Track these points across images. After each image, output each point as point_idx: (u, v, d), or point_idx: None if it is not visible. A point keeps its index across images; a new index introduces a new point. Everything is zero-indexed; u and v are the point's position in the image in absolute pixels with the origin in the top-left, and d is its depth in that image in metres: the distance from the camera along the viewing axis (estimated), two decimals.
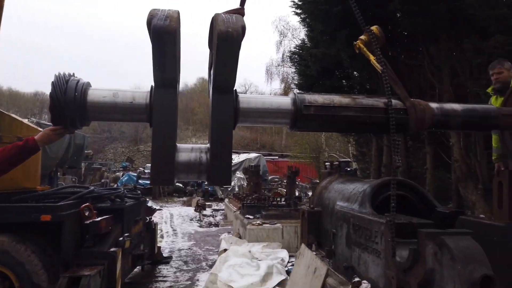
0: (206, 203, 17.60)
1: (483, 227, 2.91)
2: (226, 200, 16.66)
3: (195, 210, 15.40)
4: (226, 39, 1.95)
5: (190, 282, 5.90)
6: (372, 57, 2.64)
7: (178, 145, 2.23)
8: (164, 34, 1.91)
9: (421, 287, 2.26)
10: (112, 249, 3.94)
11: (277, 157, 36.71)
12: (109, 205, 4.62)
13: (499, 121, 2.57)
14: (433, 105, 2.58)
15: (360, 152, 17.10)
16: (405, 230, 2.69)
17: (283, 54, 33.56)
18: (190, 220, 13.42)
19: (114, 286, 3.79)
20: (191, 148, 2.26)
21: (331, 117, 2.47)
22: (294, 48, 18.03)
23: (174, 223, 12.60)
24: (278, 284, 5.24)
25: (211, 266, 6.65)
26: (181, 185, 23.65)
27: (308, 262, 4.32)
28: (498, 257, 2.71)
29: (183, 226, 12.03)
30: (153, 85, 2.20)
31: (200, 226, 12.15)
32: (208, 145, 2.26)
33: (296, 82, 19.02)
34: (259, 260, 6.03)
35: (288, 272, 5.72)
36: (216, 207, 17.61)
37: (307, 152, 27.78)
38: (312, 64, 14.42)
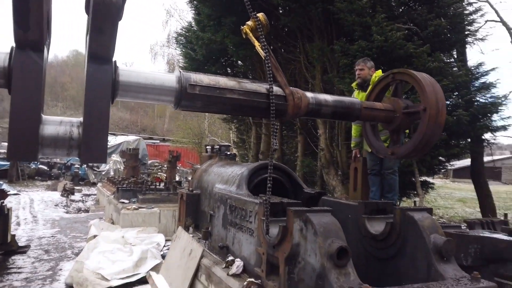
0: (76, 188, 16.11)
1: (340, 206, 3.31)
2: (99, 184, 15.52)
3: (62, 195, 13.98)
4: (103, 3, 1.78)
5: (51, 272, 5.34)
6: (257, 43, 2.72)
7: (44, 116, 1.97)
8: None
9: (288, 261, 2.46)
10: None
11: (158, 141, 35.56)
12: None
13: (361, 113, 2.93)
14: (309, 94, 2.81)
15: (240, 139, 17.71)
16: (277, 209, 2.89)
17: (168, 35, 32.40)
18: (55, 205, 12.13)
19: None
20: (60, 121, 2.02)
21: (216, 98, 2.48)
22: (181, 29, 17.54)
23: (35, 209, 11.23)
24: (152, 269, 5.13)
25: (77, 254, 6.13)
26: (45, 167, 21.16)
27: (184, 244, 4.32)
28: (352, 231, 3.13)
29: (46, 212, 10.80)
30: (14, 45, 1.89)
31: (67, 212, 11.08)
32: (81, 118, 2.05)
33: (182, 65, 18.60)
34: (133, 246, 5.80)
35: (163, 256, 5.64)
36: (87, 192, 16.26)
37: (190, 137, 27.60)
38: (199, 48, 14.28)
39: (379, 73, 4.96)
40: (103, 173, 22.45)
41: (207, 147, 5.63)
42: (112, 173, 21.40)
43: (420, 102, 2.88)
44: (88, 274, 4.51)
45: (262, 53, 2.68)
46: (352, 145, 5.42)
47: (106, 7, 1.82)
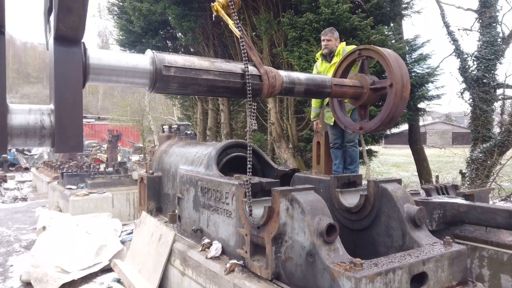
0: (7, 175, 14.82)
1: (313, 181, 3.39)
2: (34, 169, 14.42)
3: None
4: None
5: (1, 269, 4.94)
6: (230, 22, 2.61)
7: (11, 105, 1.76)
8: None
9: (274, 240, 2.49)
10: None
11: (93, 120, 33.66)
12: None
13: (332, 89, 2.97)
14: (283, 73, 2.78)
15: (186, 115, 17.30)
16: (256, 190, 2.89)
17: (99, 4, 30.07)
18: None
19: None
20: (29, 109, 1.82)
21: (191, 80, 2.37)
22: None
23: None
24: (115, 256, 4.94)
25: (27, 248, 5.72)
26: None
27: (151, 229, 4.19)
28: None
29: None
30: None
31: (3, 202, 10.20)
32: (51, 106, 1.86)
33: (117, 38, 17.45)
34: (89, 234, 5.51)
35: (123, 242, 5.45)
36: (21, 179, 15.03)
37: (129, 114, 26.37)
38: (136, 19, 13.47)
39: (343, 45, 5.02)
40: (36, 157, 20.88)
41: (164, 126, 5.42)
42: (46, 157, 19.96)
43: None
44: (48, 269, 4.22)
45: (236, 32, 2.58)
46: (312, 116, 5.47)
47: None
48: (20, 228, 7.13)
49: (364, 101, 3.13)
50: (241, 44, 2.60)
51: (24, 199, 10.86)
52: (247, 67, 2.56)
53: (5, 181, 13.68)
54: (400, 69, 2.97)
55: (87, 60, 1.99)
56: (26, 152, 21.14)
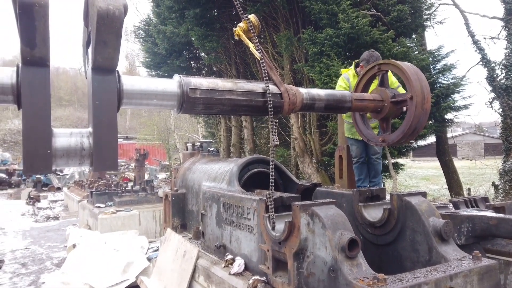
0: (41, 194, 15.39)
1: (335, 195, 3.39)
2: (65, 189, 14.93)
3: (27, 203, 13.31)
4: (107, 17, 1.78)
5: (33, 286, 5.11)
6: (251, 45, 2.71)
7: (55, 129, 1.94)
8: (34, 7, 1.62)
9: (296, 256, 2.50)
10: None
11: (121, 140, 34.62)
12: None
13: (352, 104, 3.00)
14: (303, 90, 2.84)
15: (210, 132, 17.56)
16: (277, 205, 2.91)
17: (126, 28, 31.37)
18: (22, 215, 11.54)
19: None
20: (70, 132, 2.02)
21: (216, 100, 2.47)
22: (139, 23, 17.03)
23: (1, 220, 10.63)
24: (141, 273, 5.04)
25: (58, 265, 5.91)
26: (4, 175, 20.02)
27: (176, 246, 4.27)
28: (348, 219, 3.21)
29: (13, 223, 10.26)
30: (20, 63, 1.86)
31: (36, 221, 10.58)
32: (89, 129, 2.02)
33: (143, 60, 18.09)
34: (117, 251, 5.66)
35: (149, 259, 5.55)
36: (53, 198, 15.57)
37: (155, 133, 27.02)
38: (160, 41, 13.97)
39: None
40: (67, 176, 21.63)
41: (188, 144, 5.55)
42: (77, 176, 20.65)
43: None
44: (77, 286, 4.35)
45: (257, 54, 2.68)
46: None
47: (110, 21, 1.80)
48: (52, 246, 7.38)
49: (385, 114, 3.14)
50: (262, 65, 2.69)
51: (56, 218, 11.24)
52: (268, 86, 2.64)
53: (39, 200, 14.21)
54: (419, 82, 2.97)
55: (121, 86, 2.15)
56: (58, 173, 21.93)
